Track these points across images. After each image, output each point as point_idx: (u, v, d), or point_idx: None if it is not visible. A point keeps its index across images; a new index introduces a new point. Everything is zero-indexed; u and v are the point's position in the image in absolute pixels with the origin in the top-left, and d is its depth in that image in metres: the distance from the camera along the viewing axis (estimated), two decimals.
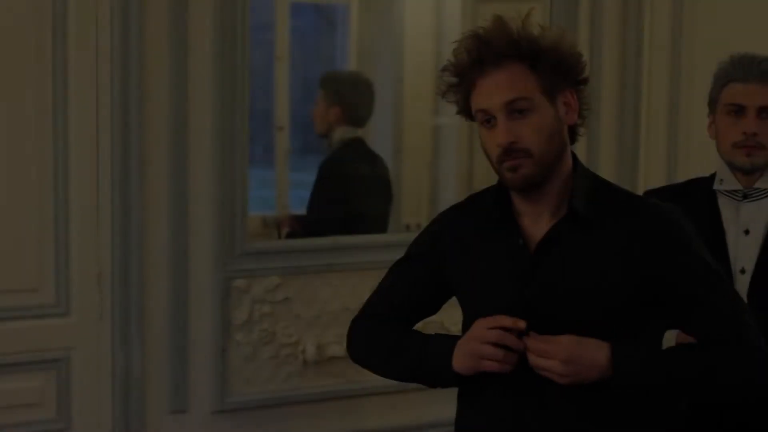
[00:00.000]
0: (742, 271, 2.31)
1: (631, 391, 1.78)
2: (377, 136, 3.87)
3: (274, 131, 4.02)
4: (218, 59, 2.86)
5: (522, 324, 1.77)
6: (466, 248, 1.92)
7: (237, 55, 2.88)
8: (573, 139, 1.88)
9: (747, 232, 2.33)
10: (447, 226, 1.99)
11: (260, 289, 2.98)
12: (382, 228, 3.62)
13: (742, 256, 2.32)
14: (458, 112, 1.87)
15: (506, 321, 1.77)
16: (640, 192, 2.60)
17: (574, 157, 1.88)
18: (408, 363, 1.92)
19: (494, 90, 1.77)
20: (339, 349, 3.06)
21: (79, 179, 2.77)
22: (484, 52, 1.77)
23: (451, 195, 3.78)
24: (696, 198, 2.40)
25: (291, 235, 3.63)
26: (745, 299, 2.28)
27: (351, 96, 3.71)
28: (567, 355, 1.73)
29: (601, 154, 3.41)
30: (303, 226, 3.66)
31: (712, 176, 2.41)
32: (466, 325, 1.90)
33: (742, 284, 2.30)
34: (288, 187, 4.03)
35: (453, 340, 1.86)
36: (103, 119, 2.77)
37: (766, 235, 2.32)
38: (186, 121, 2.85)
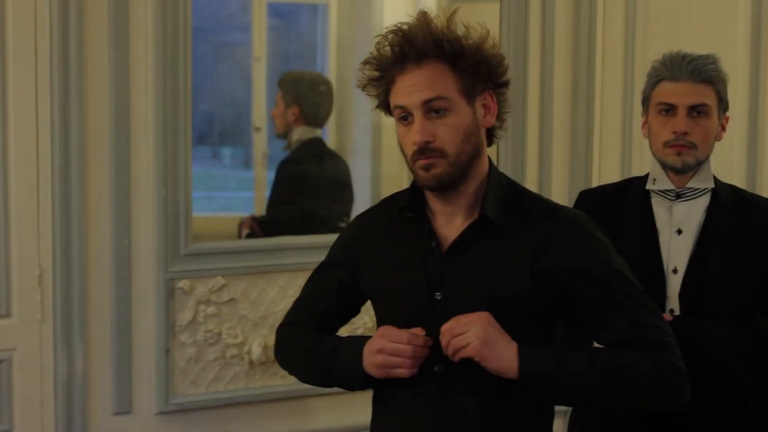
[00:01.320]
0: (675, 271, 2.29)
1: (535, 390, 1.77)
2: (356, 134, 3.86)
3: (251, 132, 4.01)
4: (160, 59, 2.83)
5: (429, 342, 1.79)
6: (380, 250, 1.92)
7: (179, 54, 2.86)
8: (490, 141, 1.89)
9: (680, 231, 2.32)
10: (361, 229, 1.99)
11: (205, 289, 2.97)
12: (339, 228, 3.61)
13: (675, 256, 2.31)
14: (377, 107, 1.87)
15: (410, 338, 1.79)
16: (575, 193, 2.58)
17: (489, 160, 1.88)
18: (321, 371, 1.94)
19: (413, 88, 1.77)
20: None
21: (19, 179, 2.75)
22: (407, 49, 1.78)
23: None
24: (630, 198, 2.38)
25: (250, 236, 3.62)
26: (677, 299, 2.27)
27: (309, 97, 3.70)
28: (483, 331, 1.74)
29: (554, 153, 3.40)
30: (261, 227, 3.66)
31: (647, 176, 2.40)
32: (386, 322, 1.89)
33: (674, 284, 2.29)
34: (266, 187, 4.01)
35: (360, 345, 1.86)
36: (42, 119, 2.75)
37: (699, 235, 2.30)
38: (127, 121, 2.83)
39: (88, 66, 2.78)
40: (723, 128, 2.35)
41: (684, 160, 2.28)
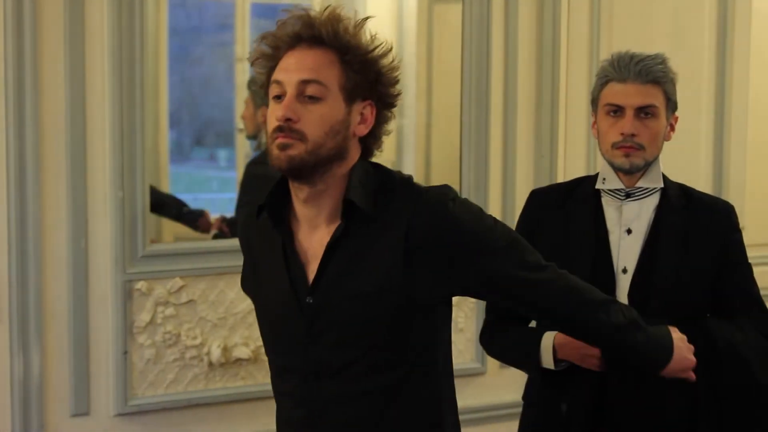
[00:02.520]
0: (624, 271, 2.28)
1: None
2: None
3: (234, 133, 4.00)
4: (116, 60, 2.83)
5: None
6: (253, 253, 1.93)
7: (135, 53, 2.85)
8: (366, 154, 1.84)
9: (629, 231, 2.30)
10: (242, 229, 2.00)
11: (163, 291, 2.96)
12: None
13: (624, 255, 2.29)
14: (261, 86, 1.83)
15: None
16: (527, 192, 2.57)
17: (370, 164, 1.84)
18: None
19: (295, 65, 1.75)
20: (245, 350, 3.04)
21: None
22: (304, 31, 1.76)
23: None
24: (580, 197, 2.37)
25: (218, 237, 3.61)
26: (626, 299, 2.26)
27: None
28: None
29: (518, 153, 3.39)
30: (229, 227, 3.65)
31: (597, 175, 2.39)
32: (262, 328, 1.92)
33: (624, 284, 2.28)
34: None
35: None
36: None
37: (648, 235, 2.29)
38: (83, 123, 2.82)
39: (43, 67, 2.77)
40: (672, 128, 2.34)
41: (632, 162, 2.27)
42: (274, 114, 1.75)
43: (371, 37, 1.79)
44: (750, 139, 3.55)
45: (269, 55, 1.80)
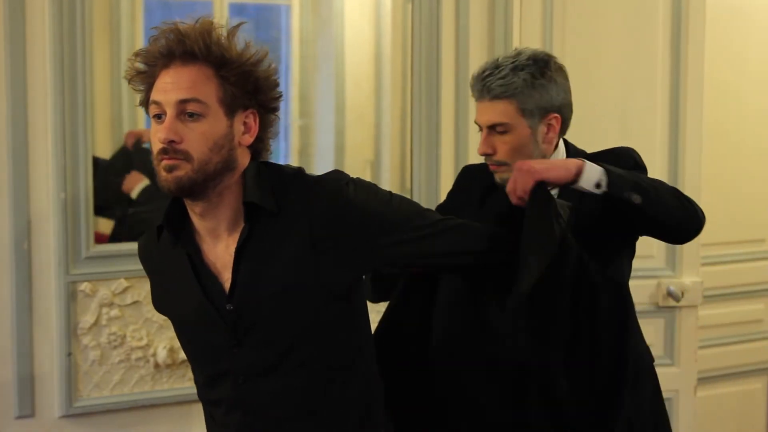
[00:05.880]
0: None
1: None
2: (319, 134, 3.85)
3: None
4: (57, 58, 2.81)
5: None
6: (158, 275, 1.95)
7: (77, 53, 2.84)
8: (256, 157, 1.85)
9: None
10: (141, 254, 2.01)
11: (107, 292, 2.95)
12: None
13: None
14: (140, 103, 1.83)
15: None
16: None
17: (262, 165, 1.84)
18: None
19: (172, 85, 1.74)
20: None
21: None
22: (176, 47, 1.75)
23: None
24: (496, 198, 2.31)
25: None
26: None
27: None
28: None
29: (470, 152, 3.38)
30: None
31: None
32: (185, 345, 1.96)
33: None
34: None
35: None
36: None
37: None
38: (25, 123, 2.81)
39: None
40: (550, 129, 2.24)
41: (502, 177, 2.23)
42: (156, 135, 1.75)
43: (246, 44, 1.79)
44: (705, 136, 3.53)
45: (145, 73, 1.79)
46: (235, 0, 3.99)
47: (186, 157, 1.73)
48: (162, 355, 3.01)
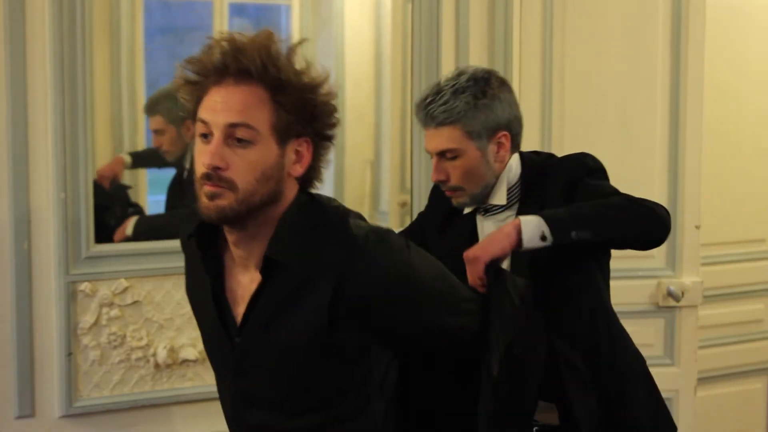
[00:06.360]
0: None
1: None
2: None
3: None
4: (57, 58, 2.80)
5: None
6: (191, 277, 1.89)
7: (77, 53, 2.83)
8: (305, 186, 1.73)
9: None
10: (182, 242, 1.92)
11: (107, 292, 2.95)
12: None
13: None
14: (186, 114, 1.71)
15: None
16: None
17: (308, 195, 1.72)
18: None
19: (222, 105, 1.61)
20: (192, 352, 3.03)
21: None
22: (230, 62, 1.62)
23: (388, 194, 3.77)
24: (461, 217, 2.34)
25: None
26: None
27: None
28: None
29: None
30: None
31: None
32: (202, 336, 1.89)
33: None
34: None
35: None
36: None
37: None
38: (25, 123, 2.80)
39: None
40: (500, 147, 2.23)
41: (458, 202, 2.25)
42: (201, 158, 1.62)
43: (306, 64, 1.65)
44: (705, 136, 3.53)
45: (195, 84, 1.66)
46: (235, 0, 3.99)
47: (230, 186, 1.60)
48: (162, 355, 3.00)
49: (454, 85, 2.17)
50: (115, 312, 2.97)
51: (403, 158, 3.85)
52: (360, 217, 1.75)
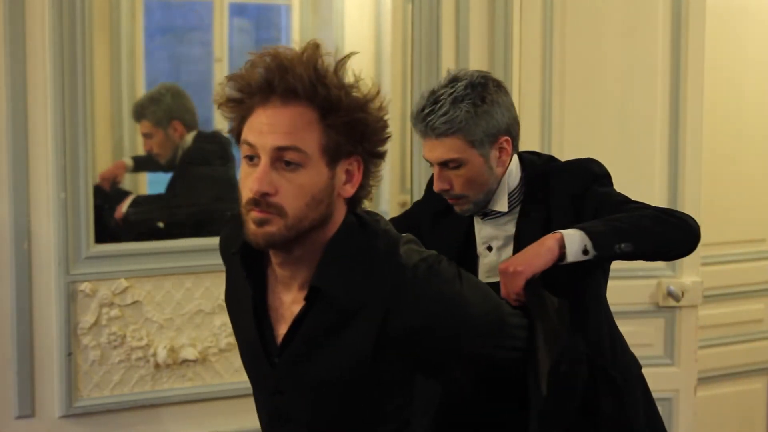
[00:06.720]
0: None
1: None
2: None
3: None
4: (57, 58, 2.81)
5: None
6: (231, 288, 1.82)
7: (77, 54, 2.84)
8: (353, 206, 1.66)
9: (490, 248, 2.27)
10: (222, 249, 1.86)
11: (107, 292, 2.95)
12: None
13: (486, 270, 2.27)
14: (229, 131, 1.64)
15: None
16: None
17: (355, 216, 1.66)
18: None
19: (269, 128, 1.53)
20: (192, 352, 3.03)
21: None
22: (277, 81, 1.53)
23: (388, 194, 3.78)
24: (456, 214, 2.30)
25: None
26: None
27: (178, 105, 3.38)
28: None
29: None
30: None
31: None
32: (239, 347, 1.84)
33: None
34: None
35: None
36: None
37: (513, 250, 2.22)
38: (25, 123, 2.80)
39: None
40: (502, 152, 2.20)
41: (462, 209, 2.22)
42: (247, 183, 1.54)
43: (356, 79, 1.58)
44: (705, 136, 3.53)
45: (239, 103, 1.57)
46: (235, 0, 3.99)
47: (279, 212, 1.53)
48: (162, 355, 3.01)
49: (451, 94, 2.12)
50: (115, 312, 2.97)
51: (403, 158, 3.84)
52: (412, 241, 1.69)
